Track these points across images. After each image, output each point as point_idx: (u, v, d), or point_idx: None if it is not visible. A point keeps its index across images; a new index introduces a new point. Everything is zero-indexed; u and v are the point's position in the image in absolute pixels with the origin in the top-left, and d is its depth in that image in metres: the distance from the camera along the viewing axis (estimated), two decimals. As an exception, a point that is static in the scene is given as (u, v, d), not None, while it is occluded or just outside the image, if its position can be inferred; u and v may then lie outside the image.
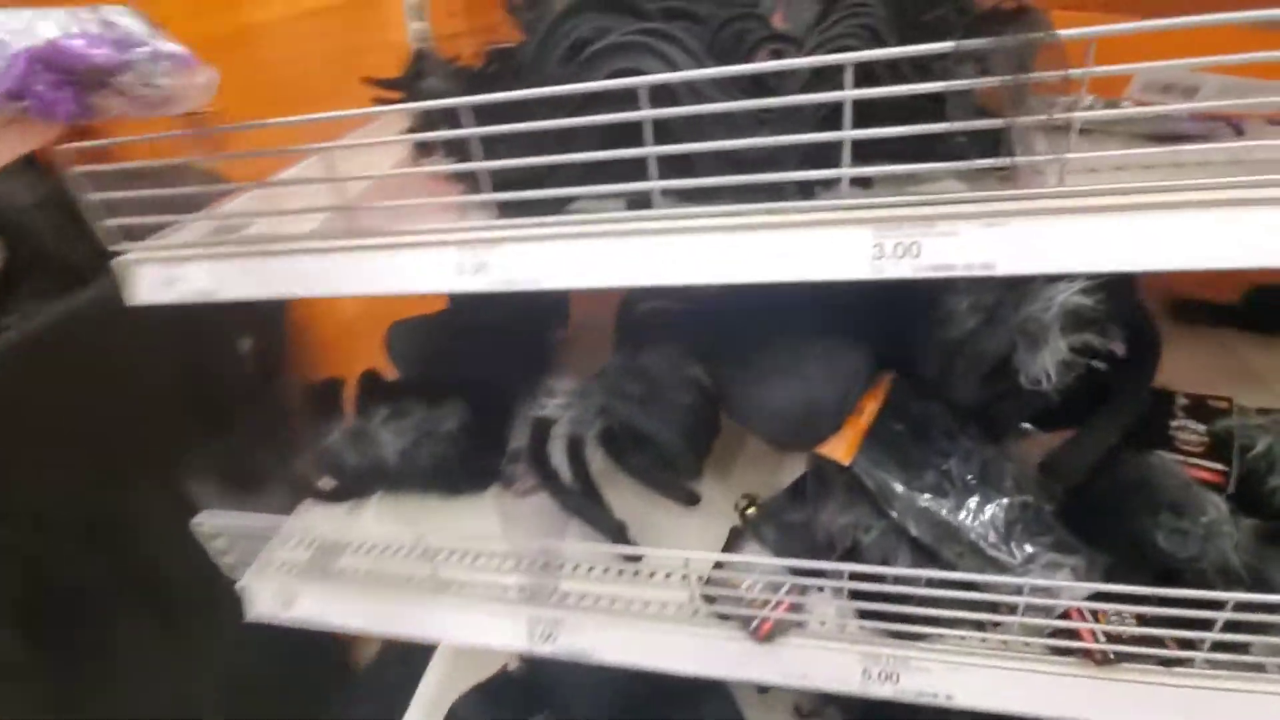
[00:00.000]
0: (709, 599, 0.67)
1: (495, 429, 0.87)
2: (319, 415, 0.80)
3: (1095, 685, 0.59)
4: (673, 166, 0.51)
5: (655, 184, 0.52)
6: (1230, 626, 0.50)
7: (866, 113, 0.47)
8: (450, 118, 0.54)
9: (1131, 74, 0.45)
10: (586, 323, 1.07)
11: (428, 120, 0.57)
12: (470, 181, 0.58)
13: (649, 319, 0.78)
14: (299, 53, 1.19)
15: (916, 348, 0.57)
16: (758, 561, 0.64)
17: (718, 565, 0.67)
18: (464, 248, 0.58)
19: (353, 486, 0.83)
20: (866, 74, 0.46)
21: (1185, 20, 0.40)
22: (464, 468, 0.80)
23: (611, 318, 0.99)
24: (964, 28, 0.42)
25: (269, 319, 1.19)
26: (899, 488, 0.59)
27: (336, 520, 0.85)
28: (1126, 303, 0.49)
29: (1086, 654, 0.58)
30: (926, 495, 0.58)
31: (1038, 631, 0.60)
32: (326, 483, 0.88)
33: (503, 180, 0.55)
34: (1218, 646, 0.53)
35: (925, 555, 0.58)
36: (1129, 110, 0.45)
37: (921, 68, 0.47)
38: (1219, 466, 0.52)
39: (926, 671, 0.63)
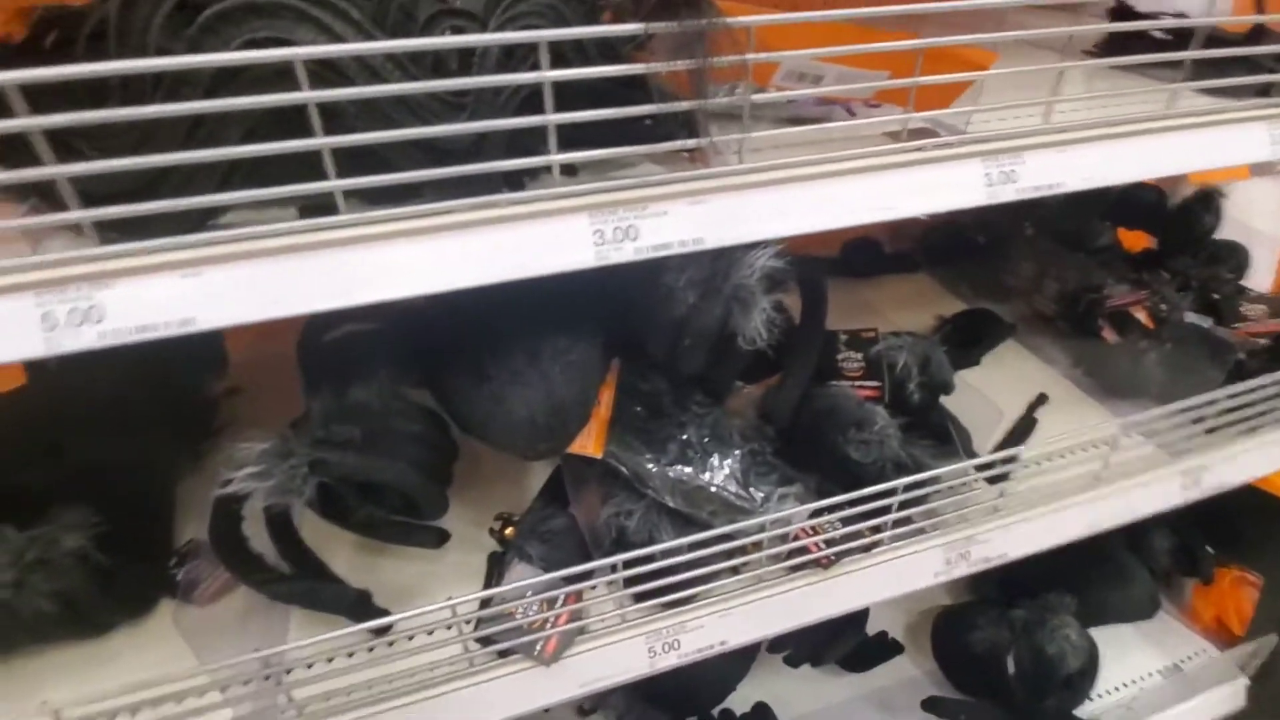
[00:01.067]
0: (485, 641, 0.60)
1: (148, 528, 0.65)
2: None
3: (827, 586, 0.70)
4: (351, 162, 0.43)
5: (336, 184, 0.43)
6: (902, 506, 0.64)
7: (557, 98, 0.45)
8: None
9: (778, 63, 0.52)
10: (252, 363, 0.87)
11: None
12: (42, 195, 0.40)
13: (344, 347, 0.66)
14: None
15: (641, 330, 0.58)
16: (528, 583, 0.59)
17: (484, 603, 0.61)
18: (53, 291, 0.40)
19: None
20: (555, 57, 0.44)
21: (821, 15, 0.47)
22: (109, 594, 0.58)
23: (287, 351, 0.82)
24: (645, 13, 0.43)
25: None
26: (650, 466, 0.61)
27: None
28: (800, 260, 0.57)
29: (816, 563, 0.68)
30: (675, 467, 0.60)
31: (778, 560, 0.68)
32: None
33: (94, 196, 0.40)
34: (898, 524, 0.66)
35: (684, 521, 0.61)
36: (807, 92, 0.51)
37: (607, 52, 0.47)
38: (875, 383, 0.66)
39: (701, 628, 0.66)
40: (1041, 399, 0.76)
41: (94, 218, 0.40)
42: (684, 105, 0.46)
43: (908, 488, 0.63)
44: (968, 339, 0.89)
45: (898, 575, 0.72)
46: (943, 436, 0.72)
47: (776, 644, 0.94)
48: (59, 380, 0.73)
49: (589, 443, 0.60)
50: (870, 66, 0.53)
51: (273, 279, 0.43)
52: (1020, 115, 0.60)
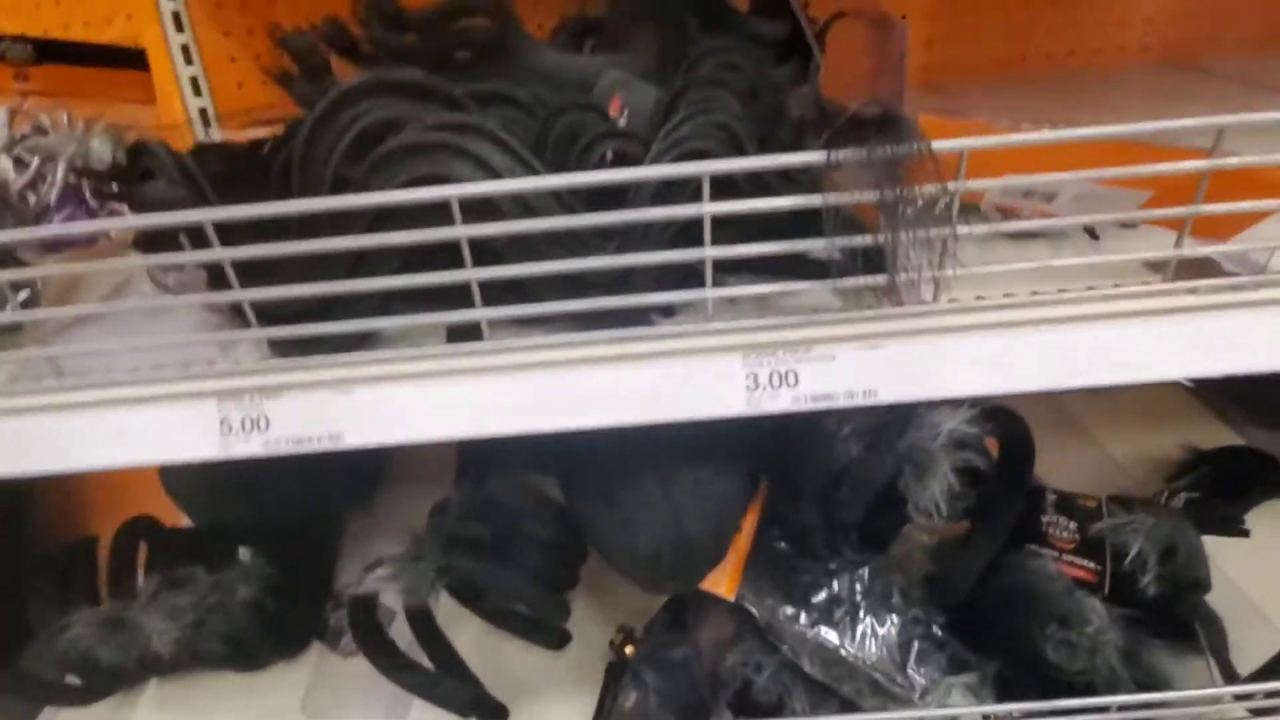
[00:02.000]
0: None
1: (314, 575, 0.71)
2: (57, 600, 0.60)
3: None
4: (500, 288, 0.41)
5: (482, 312, 0.41)
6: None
7: (723, 221, 0.40)
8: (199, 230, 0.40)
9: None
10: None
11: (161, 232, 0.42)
12: (233, 312, 0.44)
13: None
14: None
15: (794, 470, 0.51)
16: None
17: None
18: (230, 400, 0.43)
19: (110, 686, 0.63)
20: (724, 181, 0.39)
21: (1058, 135, 0.37)
22: (272, 636, 0.63)
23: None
24: (832, 135, 0.36)
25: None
26: (789, 621, 0.53)
27: (95, 724, 0.64)
28: (1000, 414, 0.46)
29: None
30: (818, 628, 0.52)
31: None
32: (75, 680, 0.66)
33: (276, 310, 0.42)
34: (1107, 742, 0.52)
35: (823, 690, 0.52)
36: (1008, 224, 0.41)
37: (785, 174, 0.41)
38: (1093, 565, 0.52)
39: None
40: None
41: (261, 335, 0.42)
42: (865, 240, 0.38)
43: (1124, 707, 0.49)
44: (1230, 489, 0.69)
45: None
46: (1185, 632, 0.55)
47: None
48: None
49: (722, 580, 0.54)
50: (1132, 181, 0.41)
51: (416, 403, 0.43)
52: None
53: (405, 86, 0.39)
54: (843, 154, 0.35)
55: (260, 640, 0.62)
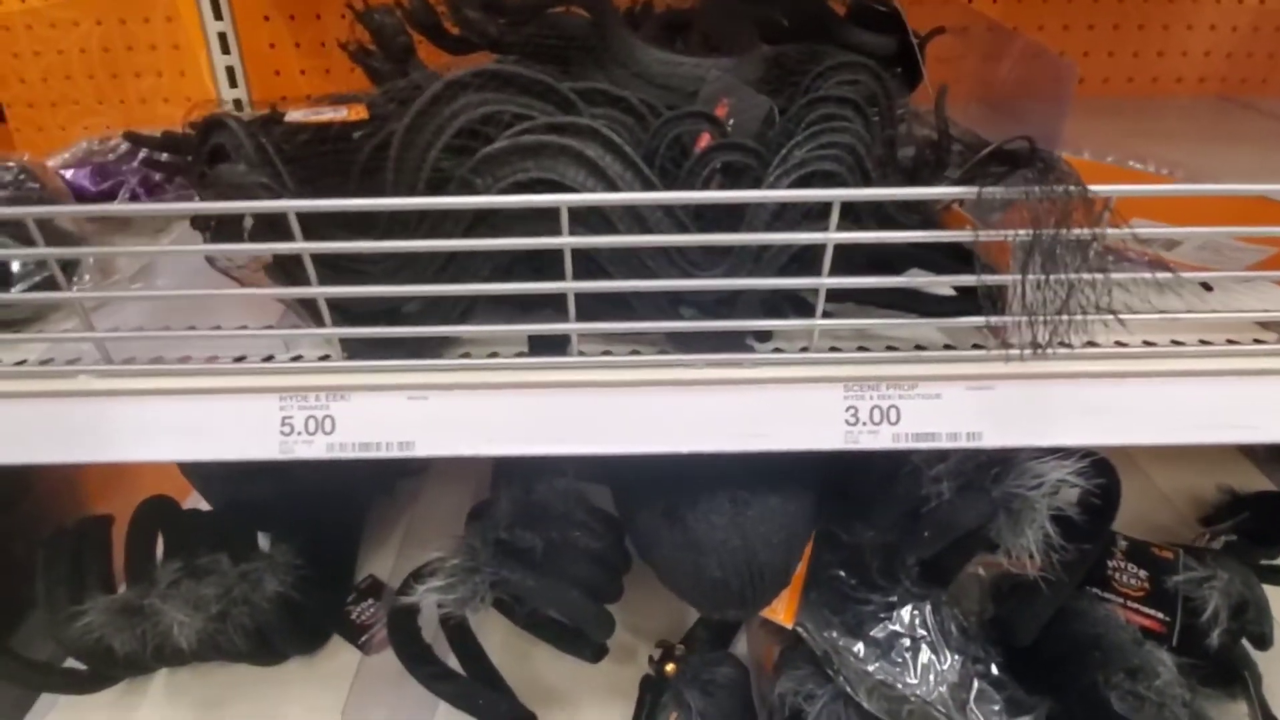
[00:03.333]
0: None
1: (336, 565, 0.68)
2: (68, 582, 0.57)
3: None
4: (592, 298, 0.39)
5: (574, 326, 0.39)
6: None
7: (836, 250, 0.37)
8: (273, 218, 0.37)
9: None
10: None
11: (228, 214, 0.39)
12: (304, 309, 0.41)
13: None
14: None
15: (868, 500, 0.49)
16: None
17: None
18: (295, 397, 0.40)
19: (120, 675, 0.60)
20: (846, 208, 0.37)
21: (1199, 188, 0.35)
22: (295, 630, 0.61)
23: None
24: (970, 169, 0.34)
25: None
26: (845, 651, 0.52)
27: (99, 714, 0.61)
28: (1096, 463, 0.45)
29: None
30: (880, 663, 0.50)
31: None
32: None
33: (350, 309, 0.39)
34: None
35: (876, 725, 0.51)
36: (1151, 274, 0.40)
37: (903, 205, 0.38)
38: (1161, 616, 0.51)
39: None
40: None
41: (340, 335, 0.39)
42: (994, 280, 0.36)
43: (1186, 761, 0.48)
44: (1266, 535, 0.69)
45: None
46: (1228, 676, 0.55)
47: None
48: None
49: (780, 607, 0.52)
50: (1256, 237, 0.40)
51: (493, 414, 0.40)
52: None
53: (516, 79, 0.36)
54: (1000, 190, 0.33)
55: (284, 635, 0.60)
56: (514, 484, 0.57)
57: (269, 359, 0.42)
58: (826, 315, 0.39)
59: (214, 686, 0.64)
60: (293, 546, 0.62)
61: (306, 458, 0.40)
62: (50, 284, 0.40)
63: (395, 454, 0.41)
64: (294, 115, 0.39)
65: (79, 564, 0.59)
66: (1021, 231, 0.33)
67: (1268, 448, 0.87)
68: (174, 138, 0.42)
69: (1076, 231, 0.33)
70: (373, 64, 0.45)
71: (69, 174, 0.55)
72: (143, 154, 0.57)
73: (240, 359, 0.42)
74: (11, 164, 0.50)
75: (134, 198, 0.55)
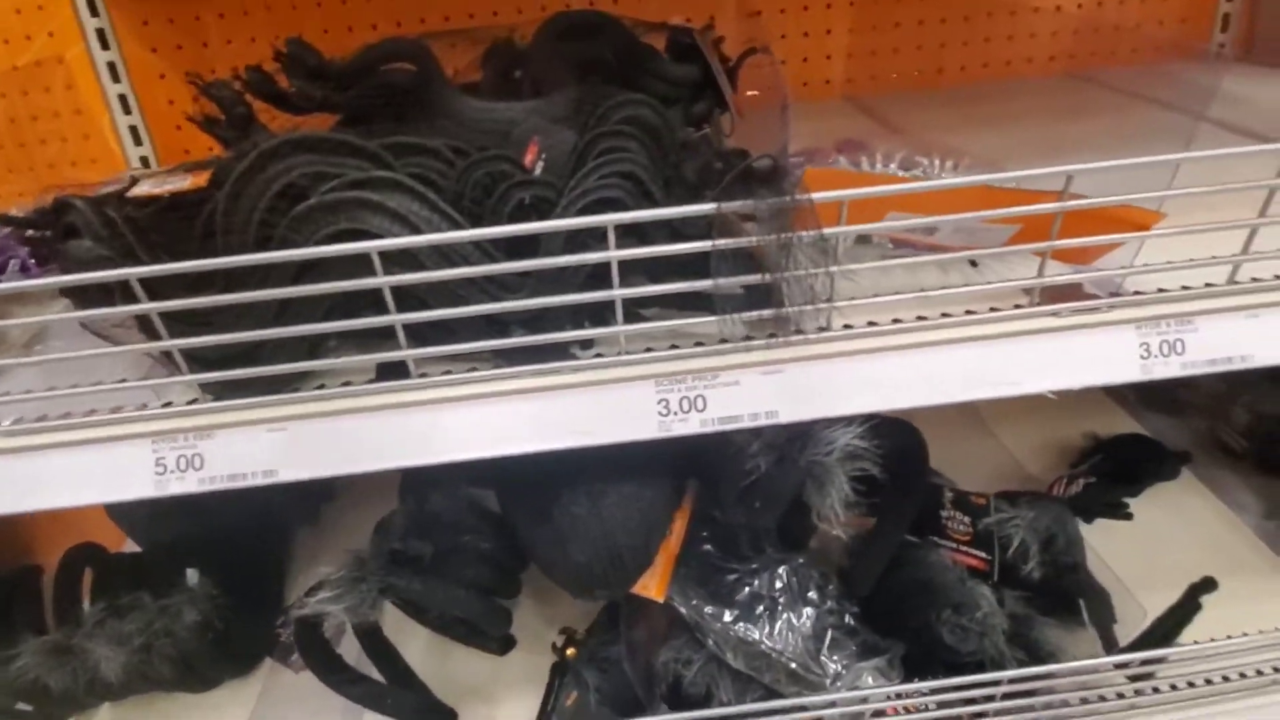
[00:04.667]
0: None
1: (262, 591, 0.72)
2: (3, 623, 0.61)
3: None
4: (427, 325, 0.44)
5: (408, 353, 0.44)
6: (1007, 697, 0.55)
7: (633, 262, 0.43)
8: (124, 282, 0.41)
9: (882, 214, 0.46)
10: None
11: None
12: (164, 356, 0.45)
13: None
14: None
15: (712, 479, 0.55)
16: None
17: (541, 722, 0.61)
18: (165, 440, 0.45)
19: (62, 713, 0.64)
20: (631, 226, 0.42)
21: (926, 184, 0.41)
22: (222, 656, 0.65)
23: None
24: (725, 186, 0.40)
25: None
26: (713, 617, 0.57)
27: (46, 751, 0.65)
28: (891, 424, 0.51)
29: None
30: (741, 625, 0.56)
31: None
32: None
33: (207, 354, 0.44)
34: (1001, 714, 0.57)
35: (746, 681, 0.57)
36: (885, 264, 0.46)
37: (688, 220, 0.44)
38: (984, 555, 0.57)
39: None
40: (1208, 585, 0.62)
41: (197, 380, 0.44)
42: (755, 279, 0.42)
43: (1015, 681, 0.54)
44: (1123, 475, 0.76)
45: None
46: (1074, 608, 0.61)
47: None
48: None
49: (652, 583, 0.58)
50: (1002, 219, 0.46)
51: (347, 438, 0.45)
52: (1194, 273, 0.49)
53: (323, 143, 0.41)
54: (730, 205, 0.39)
55: (210, 661, 0.64)
56: (410, 497, 0.62)
57: (143, 407, 0.46)
58: (641, 320, 0.45)
59: (155, 715, 0.68)
60: (217, 578, 0.67)
61: (180, 493, 0.45)
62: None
63: (261, 482, 0.46)
64: (142, 187, 0.44)
65: (10, 612, 0.63)
66: (757, 237, 0.39)
67: (1135, 393, 0.94)
68: (39, 216, 0.47)
69: (805, 233, 0.39)
70: (218, 132, 0.49)
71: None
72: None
73: (117, 409, 0.46)
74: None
75: (24, 270, 0.59)
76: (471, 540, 0.60)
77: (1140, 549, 0.71)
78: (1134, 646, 0.59)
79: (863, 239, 0.52)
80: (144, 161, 0.98)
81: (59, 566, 0.66)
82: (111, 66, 0.94)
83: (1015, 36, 1.02)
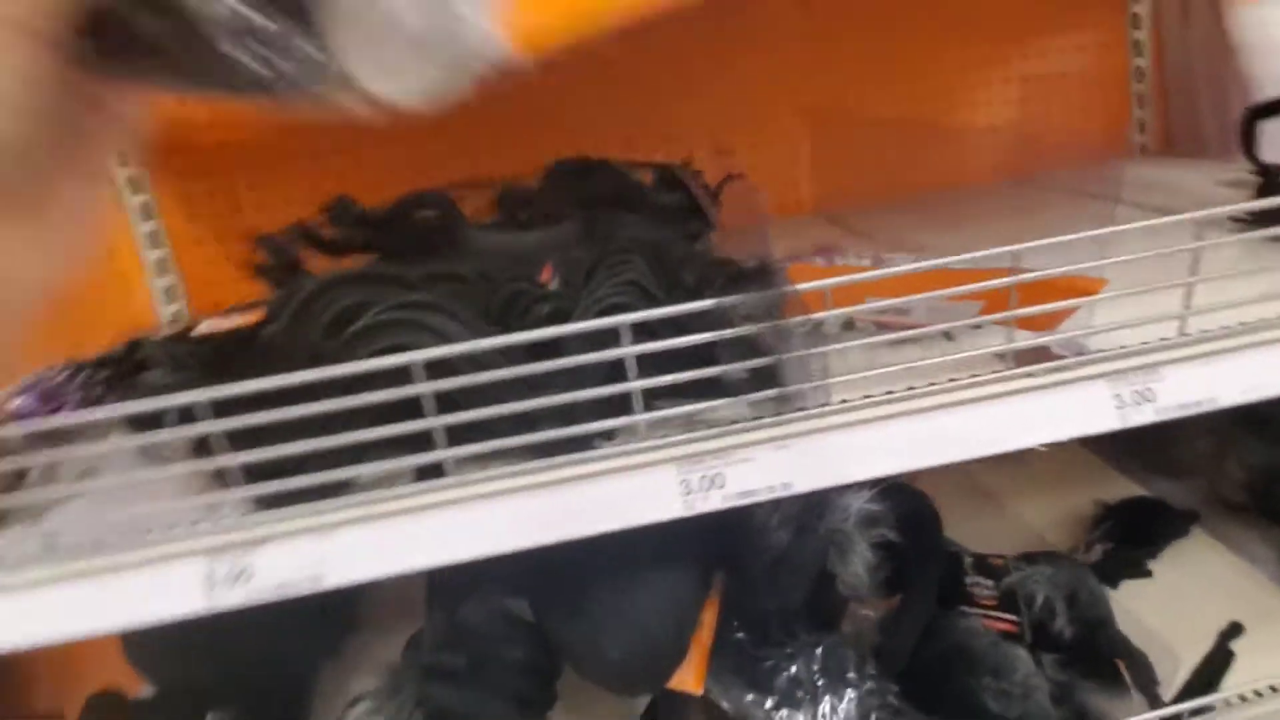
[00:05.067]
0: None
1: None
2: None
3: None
4: (461, 431, 0.48)
5: (447, 453, 0.48)
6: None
7: (648, 358, 0.48)
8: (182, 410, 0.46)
9: (863, 298, 0.52)
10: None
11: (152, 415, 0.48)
12: (211, 478, 0.49)
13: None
14: None
15: (739, 560, 0.57)
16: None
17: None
18: (216, 555, 0.47)
19: None
20: (641, 326, 0.48)
21: (892, 270, 0.48)
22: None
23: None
24: (721, 284, 0.46)
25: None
26: (754, 705, 0.57)
27: None
28: (902, 490, 0.54)
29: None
30: (784, 711, 0.56)
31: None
32: None
33: (256, 470, 0.47)
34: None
35: (795, 774, 0.55)
36: (871, 340, 0.51)
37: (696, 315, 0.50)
38: (1013, 617, 0.58)
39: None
40: (1236, 630, 0.62)
41: (253, 494, 0.47)
42: (758, 363, 0.47)
43: (1067, 748, 0.53)
44: (1136, 536, 0.77)
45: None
46: (1113, 670, 0.61)
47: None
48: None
49: (689, 676, 0.58)
50: (964, 296, 0.52)
51: (391, 538, 0.48)
52: (1153, 327, 0.54)
53: (368, 277, 0.47)
54: (728, 300, 0.45)
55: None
56: (439, 609, 0.63)
57: (196, 524, 0.49)
58: (657, 408, 0.49)
59: None
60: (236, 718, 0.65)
61: (230, 606, 0.47)
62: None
63: (308, 589, 0.48)
64: (205, 325, 0.50)
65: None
66: (751, 327, 0.44)
67: (1136, 459, 0.97)
68: (108, 357, 0.52)
69: (794, 319, 0.44)
70: (271, 277, 0.56)
71: (16, 402, 0.63)
72: (83, 374, 0.66)
73: (172, 528, 0.49)
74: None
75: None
76: (505, 649, 0.60)
77: (1163, 606, 0.71)
78: (1179, 699, 0.58)
79: (848, 325, 0.58)
80: (176, 317, 1.06)
81: (83, 712, 0.65)
82: (152, 235, 1.04)
83: (962, 152, 1.16)
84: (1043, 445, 0.51)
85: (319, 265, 0.61)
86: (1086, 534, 0.84)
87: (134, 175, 1.02)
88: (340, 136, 1.03)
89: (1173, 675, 0.58)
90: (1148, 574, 0.68)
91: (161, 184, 1.03)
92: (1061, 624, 0.56)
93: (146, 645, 0.73)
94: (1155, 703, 0.57)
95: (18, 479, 0.55)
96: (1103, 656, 0.60)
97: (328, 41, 0.23)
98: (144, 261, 1.04)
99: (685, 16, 1.03)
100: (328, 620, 0.82)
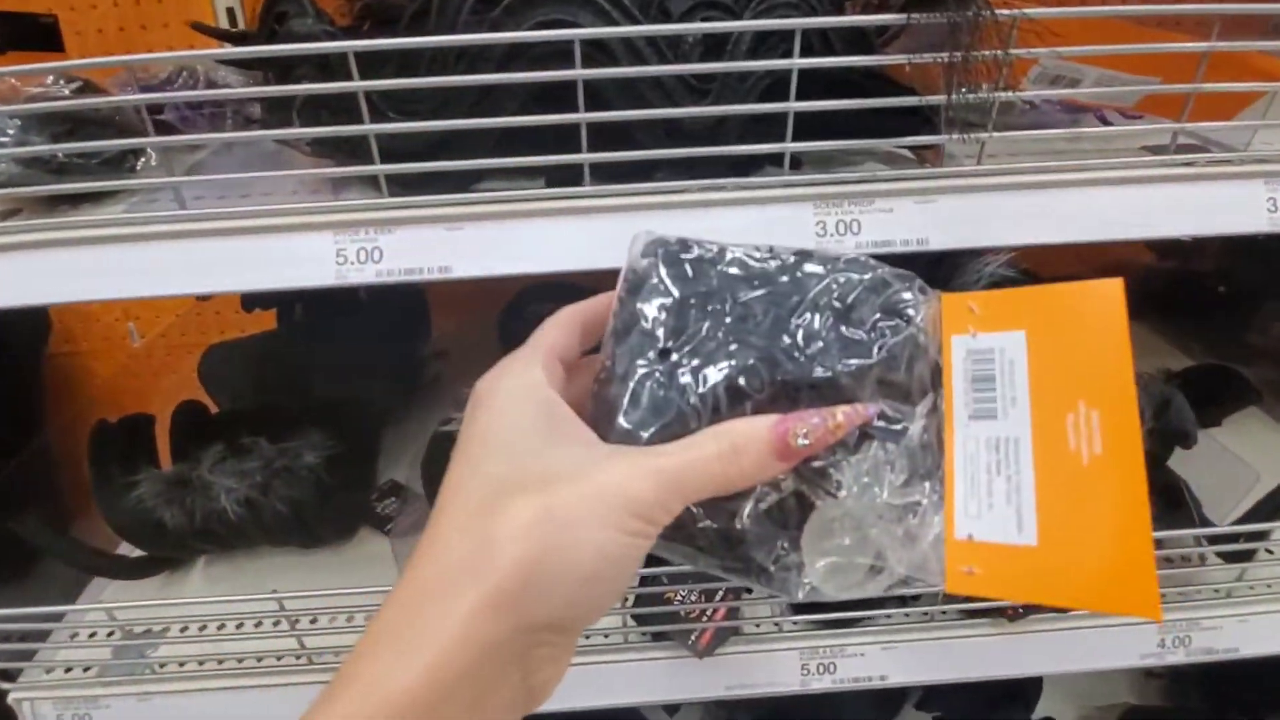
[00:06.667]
0: (640, 619, 0.61)
1: (361, 461, 0.73)
2: (120, 463, 0.62)
3: (1009, 642, 0.63)
4: (600, 137, 0.46)
5: (587, 156, 0.46)
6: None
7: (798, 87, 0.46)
8: (319, 76, 0.44)
9: (1035, 61, 0.49)
10: (452, 335, 0.96)
11: (286, 80, 0.46)
12: (348, 152, 0.47)
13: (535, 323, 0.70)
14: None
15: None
16: (688, 571, 0.60)
17: (644, 580, 0.62)
18: (346, 231, 0.47)
19: (167, 555, 0.65)
20: (804, 47, 0.45)
21: (1099, 10, 0.44)
22: (328, 511, 0.66)
23: (483, 326, 0.90)
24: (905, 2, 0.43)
25: (20, 354, 0.91)
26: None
27: (146, 599, 0.66)
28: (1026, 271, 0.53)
29: (999, 612, 0.62)
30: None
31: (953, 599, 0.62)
32: (128, 552, 0.68)
33: (389, 153, 0.46)
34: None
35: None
36: (1050, 93, 0.48)
37: (853, 42, 0.47)
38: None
39: (862, 656, 0.63)
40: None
41: (391, 171, 0.46)
42: (930, 101, 0.45)
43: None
44: (1202, 399, 0.77)
45: (1096, 646, 0.63)
46: (1174, 498, 0.63)
47: (928, 699, 0.87)
48: (304, 329, 0.85)
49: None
50: (1141, 70, 0.49)
51: (520, 240, 0.48)
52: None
53: (532, -55, 0.44)
54: (920, 17, 0.42)
55: (317, 514, 0.65)
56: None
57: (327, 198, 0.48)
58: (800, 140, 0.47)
59: (249, 574, 0.69)
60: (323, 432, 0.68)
61: (360, 283, 0.47)
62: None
63: (435, 277, 0.47)
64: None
65: (129, 450, 0.64)
66: (939, 53, 0.41)
67: (1203, 341, 0.96)
68: (233, 31, 0.49)
69: (984, 53, 0.41)
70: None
71: (119, 93, 0.61)
72: (183, 75, 0.63)
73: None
74: (80, 82, 0.57)
75: (184, 120, 0.61)
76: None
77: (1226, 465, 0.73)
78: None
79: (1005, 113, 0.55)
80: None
81: (175, 414, 0.68)
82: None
83: None
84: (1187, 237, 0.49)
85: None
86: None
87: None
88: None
89: (1246, 495, 0.60)
90: (1217, 422, 0.69)
91: None
92: (1145, 434, 0.57)
93: (228, 369, 0.75)
94: (1205, 523, 0.59)
95: (135, 156, 0.53)
96: (1166, 483, 0.62)
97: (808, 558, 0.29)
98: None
99: None
100: (399, 375, 0.84)
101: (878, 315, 0.30)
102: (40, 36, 0.65)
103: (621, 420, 0.29)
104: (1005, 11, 0.43)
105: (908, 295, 0.30)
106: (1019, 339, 0.30)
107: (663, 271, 0.31)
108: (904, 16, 0.42)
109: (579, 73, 0.43)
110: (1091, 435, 0.28)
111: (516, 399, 0.28)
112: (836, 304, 0.30)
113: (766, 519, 0.29)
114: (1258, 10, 0.45)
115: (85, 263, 0.46)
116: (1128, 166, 0.49)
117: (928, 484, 0.29)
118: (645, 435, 0.28)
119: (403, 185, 0.47)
